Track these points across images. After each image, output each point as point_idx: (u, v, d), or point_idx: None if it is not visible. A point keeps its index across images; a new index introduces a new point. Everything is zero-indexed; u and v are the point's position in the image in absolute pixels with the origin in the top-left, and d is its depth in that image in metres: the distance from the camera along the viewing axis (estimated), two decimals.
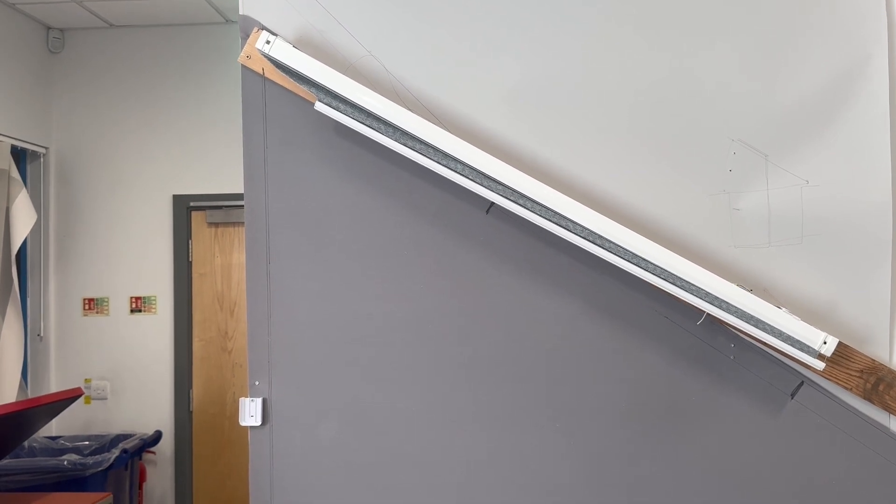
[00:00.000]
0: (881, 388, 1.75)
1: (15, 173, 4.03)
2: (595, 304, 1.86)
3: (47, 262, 4.43)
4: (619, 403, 1.86)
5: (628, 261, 1.73)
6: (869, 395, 1.76)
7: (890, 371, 1.75)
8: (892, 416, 1.79)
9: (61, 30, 4.47)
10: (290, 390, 1.91)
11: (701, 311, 1.75)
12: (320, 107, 1.80)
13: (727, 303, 1.70)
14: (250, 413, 1.89)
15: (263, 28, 1.84)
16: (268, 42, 1.79)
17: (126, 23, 4.41)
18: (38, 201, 4.33)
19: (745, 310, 1.70)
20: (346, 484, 1.90)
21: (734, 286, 1.70)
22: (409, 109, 1.78)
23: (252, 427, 1.90)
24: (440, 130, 1.76)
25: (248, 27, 1.87)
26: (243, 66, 1.90)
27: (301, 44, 1.85)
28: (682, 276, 1.71)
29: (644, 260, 1.72)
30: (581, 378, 1.86)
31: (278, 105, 1.88)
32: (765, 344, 1.76)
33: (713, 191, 1.84)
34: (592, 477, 1.86)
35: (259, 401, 1.90)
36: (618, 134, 1.85)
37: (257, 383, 1.91)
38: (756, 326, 1.70)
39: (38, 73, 4.38)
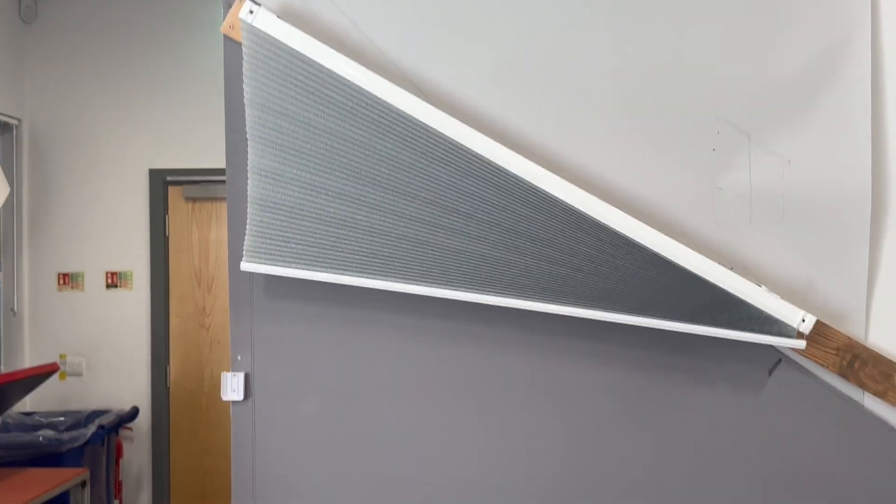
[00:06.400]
0: (857, 365, 1.78)
1: None
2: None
3: (21, 236, 4.36)
4: (598, 381, 1.87)
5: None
6: (845, 373, 1.79)
7: (865, 349, 1.78)
8: (866, 392, 1.82)
9: None
10: (273, 365, 1.90)
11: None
12: (246, 266, 1.79)
13: (709, 282, 1.72)
14: (232, 388, 1.89)
15: None
16: (251, 12, 1.76)
17: None
18: (10, 174, 4.25)
19: (725, 287, 1.72)
20: (328, 458, 1.90)
21: (716, 264, 1.72)
22: (395, 83, 1.76)
23: (234, 402, 1.89)
24: (431, 108, 1.75)
25: None
26: (225, 37, 1.86)
27: (285, 14, 1.82)
28: (664, 255, 1.72)
29: (626, 238, 1.73)
30: (561, 356, 1.87)
31: None
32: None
33: (696, 169, 1.84)
34: (574, 454, 1.88)
35: (241, 375, 1.89)
36: (601, 112, 1.85)
37: (239, 358, 1.90)
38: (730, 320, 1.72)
39: (10, 43, 4.28)
